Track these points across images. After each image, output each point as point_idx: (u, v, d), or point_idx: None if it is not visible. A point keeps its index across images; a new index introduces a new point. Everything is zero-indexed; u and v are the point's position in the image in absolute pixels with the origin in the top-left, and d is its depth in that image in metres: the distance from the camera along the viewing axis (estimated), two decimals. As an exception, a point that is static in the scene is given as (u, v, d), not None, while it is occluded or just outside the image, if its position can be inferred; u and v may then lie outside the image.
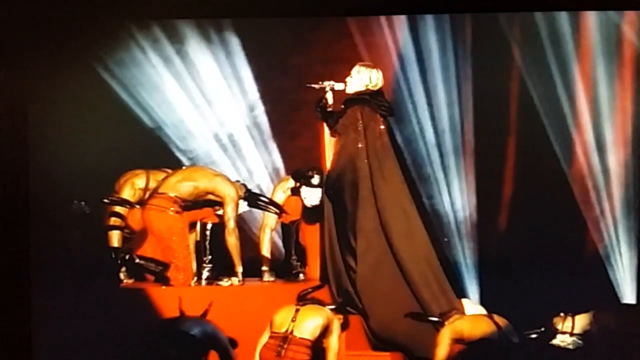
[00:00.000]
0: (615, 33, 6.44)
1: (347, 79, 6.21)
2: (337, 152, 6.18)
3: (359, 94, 6.18)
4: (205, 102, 6.99)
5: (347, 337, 5.97)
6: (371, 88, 6.19)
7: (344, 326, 5.95)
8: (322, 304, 5.86)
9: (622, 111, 6.44)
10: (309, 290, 5.94)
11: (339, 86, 6.20)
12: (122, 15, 6.20)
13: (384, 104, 6.18)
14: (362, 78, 6.19)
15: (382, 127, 6.16)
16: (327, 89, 6.22)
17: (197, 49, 6.85)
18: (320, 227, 6.35)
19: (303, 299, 5.86)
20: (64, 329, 6.06)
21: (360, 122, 6.14)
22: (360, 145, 6.13)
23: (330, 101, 6.22)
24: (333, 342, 5.79)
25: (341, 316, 5.90)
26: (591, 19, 6.47)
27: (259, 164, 7.06)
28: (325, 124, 6.26)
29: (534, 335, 5.88)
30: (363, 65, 6.24)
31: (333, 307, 5.89)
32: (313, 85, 6.24)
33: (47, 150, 6.31)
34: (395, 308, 6.02)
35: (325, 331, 5.77)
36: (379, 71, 6.22)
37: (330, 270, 6.19)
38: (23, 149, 6.13)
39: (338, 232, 6.17)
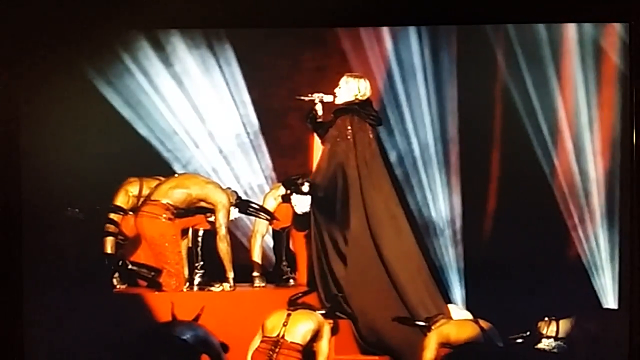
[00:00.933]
0: (595, 44, 6.57)
1: (336, 90, 6.34)
2: (327, 160, 6.30)
3: (348, 104, 6.31)
4: (198, 111, 7.05)
5: (336, 342, 6.07)
6: (360, 98, 6.32)
7: (334, 331, 6.05)
8: (313, 308, 5.97)
9: (603, 121, 6.57)
10: (299, 295, 6.04)
11: (327, 98, 6.33)
12: (117, 24, 6.28)
13: (372, 114, 6.32)
14: (351, 88, 6.32)
15: (370, 135, 6.29)
16: (317, 100, 6.34)
17: (190, 59, 6.91)
18: (309, 234, 6.46)
19: (294, 304, 5.96)
20: (57, 334, 6.10)
21: (350, 131, 6.27)
22: (349, 154, 6.26)
23: (320, 112, 6.35)
24: (323, 347, 5.88)
25: (331, 321, 6.01)
26: (572, 31, 6.60)
27: (251, 172, 7.14)
28: (315, 134, 6.39)
29: (519, 340, 6.02)
30: (351, 76, 6.37)
31: (323, 312, 6.00)
32: (303, 98, 6.36)
33: (40, 157, 6.35)
34: (384, 312, 6.13)
35: (316, 336, 5.87)
36: (367, 81, 6.35)
37: (318, 276, 6.29)
38: (16, 156, 6.18)
39: (327, 238, 6.27)
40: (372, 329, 6.17)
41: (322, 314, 5.95)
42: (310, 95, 6.34)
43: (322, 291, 6.24)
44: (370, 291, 6.21)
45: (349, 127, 6.27)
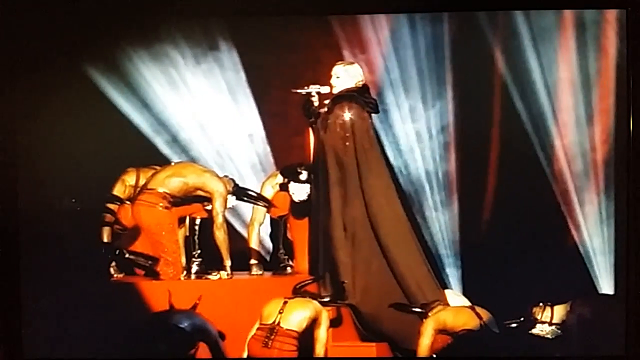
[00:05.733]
0: (595, 31, 6.55)
1: (333, 80, 6.33)
2: (325, 147, 6.30)
3: (347, 90, 6.32)
4: (196, 104, 7.03)
5: (334, 329, 6.09)
6: (358, 85, 6.33)
7: (337, 321, 6.08)
8: (314, 296, 5.99)
9: (601, 108, 6.56)
10: (306, 282, 6.07)
11: (324, 89, 6.33)
12: (114, 17, 6.29)
13: (371, 101, 6.33)
14: (352, 75, 6.32)
15: (368, 122, 6.30)
16: (313, 92, 6.34)
17: (187, 51, 6.89)
18: (308, 222, 6.47)
19: (298, 292, 5.98)
20: (55, 324, 6.14)
21: (349, 118, 6.28)
22: (348, 142, 6.27)
23: (317, 103, 6.36)
24: (321, 334, 5.91)
25: (329, 308, 6.02)
26: (571, 17, 6.58)
27: (249, 161, 7.13)
28: (313, 124, 6.39)
29: (514, 325, 6.04)
30: (347, 64, 6.37)
31: (326, 299, 6.01)
32: (299, 91, 6.36)
33: (37, 147, 6.37)
34: (383, 299, 6.15)
35: (314, 323, 5.89)
36: (361, 68, 6.36)
37: (323, 264, 6.29)
38: (13, 146, 6.21)
39: (327, 226, 6.27)
40: (370, 316, 6.20)
41: (323, 302, 5.97)
42: (306, 87, 6.35)
43: (327, 279, 6.23)
44: (370, 278, 6.23)
45: (348, 115, 6.28)
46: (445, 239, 6.71)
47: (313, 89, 6.33)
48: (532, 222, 6.44)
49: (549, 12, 6.52)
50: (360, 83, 6.33)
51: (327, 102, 6.35)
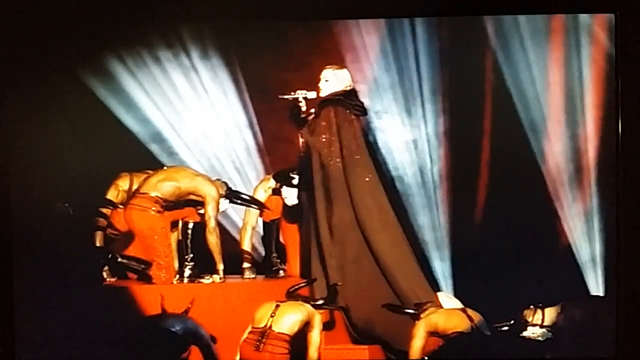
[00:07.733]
0: (584, 36, 6.59)
1: (321, 83, 6.36)
2: (313, 151, 6.32)
3: (333, 94, 6.35)
4: (189, 109, 7.04)
5: (327, 332, 6.11)
6: (347, 89, 6.36)
7: (330, 323, 6.10)
8: (306, 300, 6.01)
9: (595, 111, 6.59)
10: (300, 285, 6.08)
11: (311, 94, 6.36)
12: (108, 21, 6.30)
13: (358, 104, 6.35)
14: (341, 79, 6.35)
15: (356, 126, 6.33)
16: (300, 98, 6.37)
17: (182, 56, 6.90)
18: (300, 226, 6.50)
19: (292, 295, 5.99)
20: (47, 328, 6.15)
21: (335, 121, 6.31)
22: (334, 145, 6.29)
23: (304, 108, 6.39)
24: (314, 337, 5.92)
25: (322, 311, 6.04)
26: (560, 22, 6.62)
27: (243, 165, 7.14)
28: (300, 128, 6.42)
29: (505, 328, 6.06)
30: (336, 68, 6.40)
31: (320, 302, 6.02)
32: (285, 97, 6.38)
33: (30, 152, 6.38)
34: (375, 302, 6.17)
35: (307, 326, 5.91)
36: (351, 73, 6.38)
37: (314, 267, 6.31)
38: (5, 150, 6.22)
39: (318, 229, 6.30)
40: (363, 319, 6.21)
41: (317, 305, 5.98)
42: (292, 93, 6.37)
43: (319, 282, 6.25)
44: (361, 281, 6.25)
45: (334, 118, 6.30)
46: (436, 241, 6.73)
47: (300, 94, 6.37)
48: (523, 225, 6.46)
49: (538, 17, 6.56)
50: (349, 88, 6.36)
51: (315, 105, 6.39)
